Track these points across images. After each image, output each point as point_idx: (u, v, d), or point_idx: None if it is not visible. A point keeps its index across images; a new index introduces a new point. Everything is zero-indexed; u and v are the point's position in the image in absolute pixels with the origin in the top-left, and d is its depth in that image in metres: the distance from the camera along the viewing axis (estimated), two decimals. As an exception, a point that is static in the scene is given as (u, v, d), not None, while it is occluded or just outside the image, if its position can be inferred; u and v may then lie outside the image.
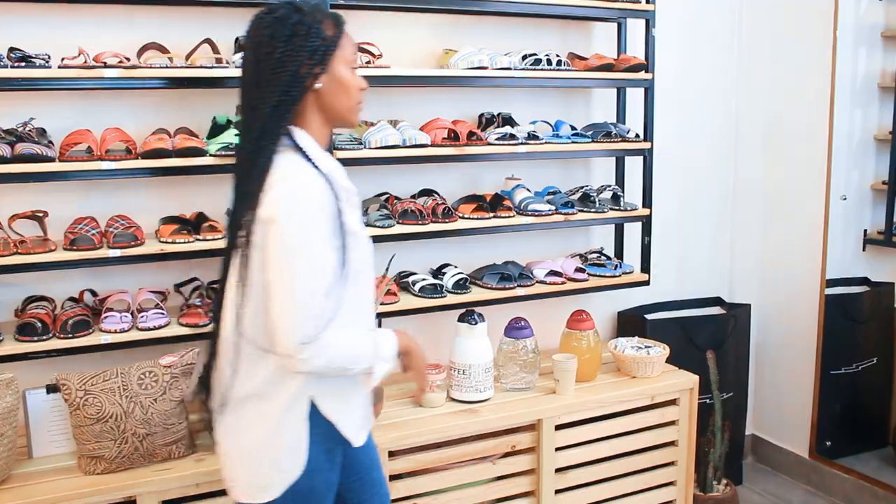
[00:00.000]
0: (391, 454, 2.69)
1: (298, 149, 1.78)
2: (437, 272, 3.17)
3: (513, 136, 3.05)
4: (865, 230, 3.96)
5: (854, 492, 3.57)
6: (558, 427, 2.93)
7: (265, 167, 1.73)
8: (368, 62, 2.85)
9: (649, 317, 3.55)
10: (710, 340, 3.53)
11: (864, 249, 3.97)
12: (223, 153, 2.59)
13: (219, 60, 2.63)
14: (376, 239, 2.86)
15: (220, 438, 1.90)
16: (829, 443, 3.72)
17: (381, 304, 2.82)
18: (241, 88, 1.82)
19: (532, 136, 3.10)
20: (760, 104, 3.81)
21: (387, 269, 2.80)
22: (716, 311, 3.81)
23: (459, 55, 3.01)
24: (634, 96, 3.42)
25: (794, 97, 3.68)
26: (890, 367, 3.93)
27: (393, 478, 2.68)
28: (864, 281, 3.90)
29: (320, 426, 1.84)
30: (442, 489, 2.78)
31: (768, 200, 3.86)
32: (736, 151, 3.88)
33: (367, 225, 2.88)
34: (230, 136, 2.66)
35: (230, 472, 1.88)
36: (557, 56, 3.12)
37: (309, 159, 1.77)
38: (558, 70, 3.10)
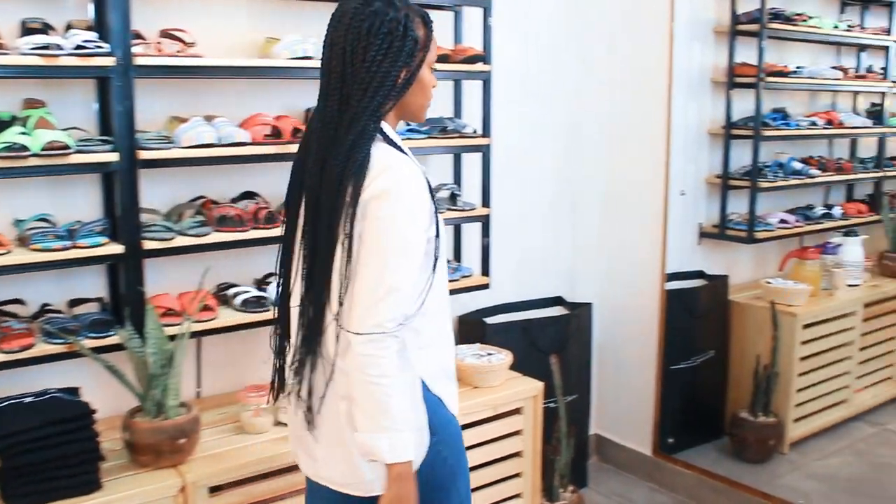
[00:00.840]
0: (213, 490, 2.40)
1: (389, 141, 1.77)
2: (261, 283, 2.88)
3: (342, 133, 2.80)
4: (700, 224, 3.98)
5: (696, 487, 3.56)
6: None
7: (364, 162, 1.69)
8: (179, 51, 2.52)
9: (489, 321, 3.40)
10: (552, 342, 3.42)
11: (699, 243, 3.98)
12: (7, 154, 2.21)
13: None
14: (189, 249, 2.57)
15: (334, 438, 1.77)
16: (671, 439, 3.70)
17: (196, 321, 2.52)
18: (326, 77, 1.76)
19: (363, 133, 2.86)
20: (600, 98, 3.72)
21: (200, 283, 2.49)
22: (557, 311, 3.71)
23: (283, 44, 2.73)
24: (472, 89, 3.24)
25: (633, 92, 3.60)
26: (725, 358, 3.96)
27: (214, 518, 2.40)
28: (699, 274, 3.91)
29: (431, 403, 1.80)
30: (271, 526, 2.52)
31: (608, 196, 3.78)
32: (576, 147, 3.78)
33: (179, 233, 2.56)
34: (14, 135, 2.27)
35: (357, 469, 1.75)
36: (388, 46, 2.88)
37: (402, 150, 1.77)
38: (390, 61, 2.87)
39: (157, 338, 2.35)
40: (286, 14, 2.90)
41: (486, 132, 3.15)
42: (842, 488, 3.52)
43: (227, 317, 2.66)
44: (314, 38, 2.76)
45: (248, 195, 2.83)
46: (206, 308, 2.59)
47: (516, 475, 3.03)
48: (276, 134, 2.70)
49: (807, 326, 3.84)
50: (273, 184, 2.93)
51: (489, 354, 3.07)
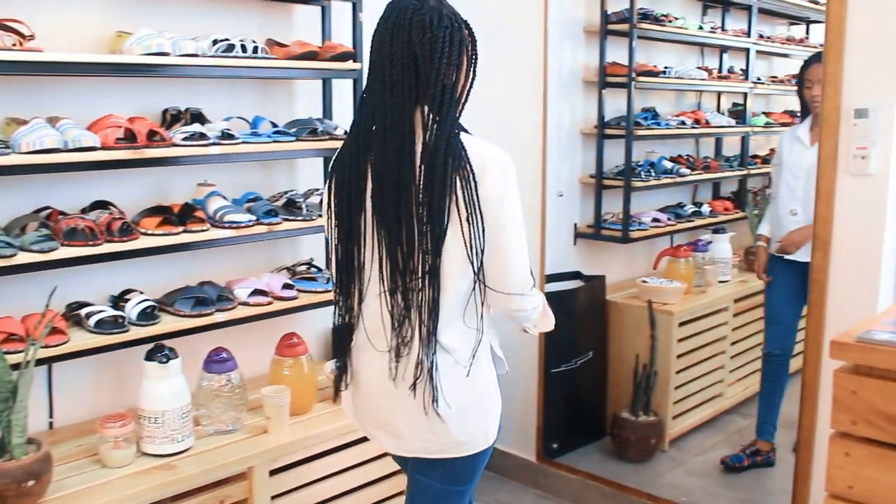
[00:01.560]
0: (68, 535, 2.16)
1: (465, 131, 1.93)
2: (119, 300, 2.64)
3: (203, 136, 2.59)
4: (576, 224, 3.95)
5: (582, 491, 3.50)
6: (273, 472, 2.54)
7: (460, 152, 1.82)
8: (14, 44, 2.26)
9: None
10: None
11: (574, 244, 3.95)
12: None
13: None
14: (34, 267, 2.31)
15: (438, 404, 1.88)
16: (555, 444, 3.64)
17: (44, 346, 2.27)
18: (389, 70, 1.81)
19: (226, 136, 2.66)
20: (474, 98, 3.59)
21: (48, 304, 2.24)
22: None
23: (135, 38, 2.51)
24: (342, 88, 3.08)
25: (508, 92, 3.52)
26: (604, 359, 3.95)
27: (69, 566, 2.16)
28: (576, 275, 3.88)
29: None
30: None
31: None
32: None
33: (22, 249, 2.30)
34: None
35: (461, 430, 1.94)
36: (254, 42, 2.70)
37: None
38: (255, 58, 2.69)
39: (-4, 368, 2.10)
40: (138, 6, 2.67)
41: (358, 134, 2.99)
42: (721, 483, 3.54)
43: (79, 340, 2.42)
44: (169, 32, 2.55)
45: (101, 205, 2.59)
46: (54, 331, 2.34)
47: (398, 494, 2.89)
48: (129, 137, 2.47)
49: (682, 324, 3.86)
50: (128, 191, 2.70)
51: (368, 367, 2.92)
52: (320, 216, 2.91)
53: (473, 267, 1.84)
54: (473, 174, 1.80)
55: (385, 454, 2.80)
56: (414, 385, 1.87)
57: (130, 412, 2.46)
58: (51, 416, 2.63)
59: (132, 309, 2.55)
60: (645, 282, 3.97)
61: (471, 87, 1.95)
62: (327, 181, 1.97)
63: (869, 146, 2.71)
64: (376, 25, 1.84)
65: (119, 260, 2.48)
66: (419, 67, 1.80)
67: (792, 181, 3.51)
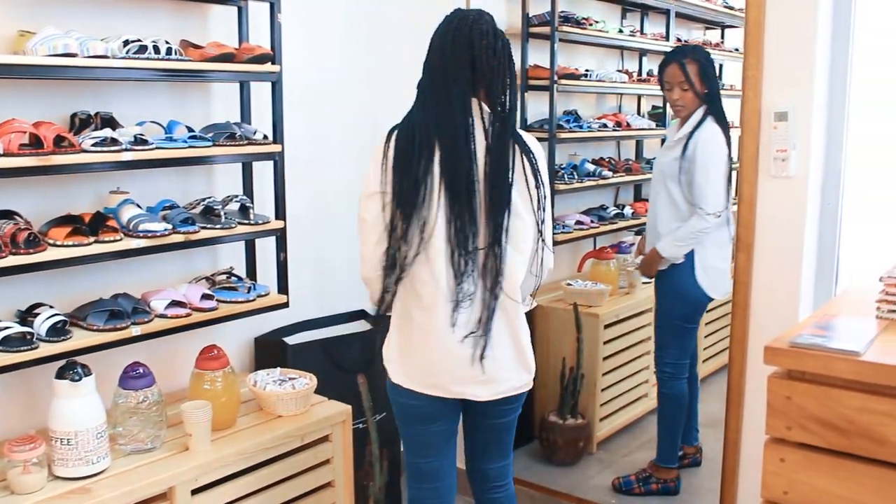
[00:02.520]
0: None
1: None
2: (26, 315, 2.49)
3: (115, 141, 2.47)
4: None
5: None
6: (195, 492, 2.43)
7: (521, 137, 2.31)
8: None
9: (290, 341, 3.15)
10: (357, 360, 3.22)
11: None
12: None
13: None
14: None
15: (498, 354, 2.28)
16: (483, 451, 3.59)
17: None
18: (453, 70, 2.20)
19: (140, 141, 2.54)
20: (397, 100, 3.53)
21: (-52, 323, 2.10)
22: (362, 325, 3.51)
23: (39, 38, 2.36)
24: (260, 92, 2.98)
25: (429, 93, 3.46)
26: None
27: None
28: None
29: None
30: None
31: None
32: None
33: (-83, 264, 2.15)
34: None
35: (519, 374, 2.35)
36: (168, 43, 2.58)
37: None
38: (169, 60, 2.57)
39: None
40: (42, 4, 2.53)
41: (277, 138, 2.90)
42: None
43: (-19, 359, 2.27)
44: (76, 31, 2.42)
45: (5, 215, 2.44)
46: (-45, 350, 2.20)
47: (330, 506, 2.82)
48: (35, 143, 2.33)
49: (608, 326, 3.87)
50: (34, 201, 2.56)
51: (291, 379, 2.84)
52: (241, 223, 2.81)
53: (540, 227, 2.29)
54: (534, 153, 2.29)
55: (321, 464, 2.73)
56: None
57: (41, 433, 2.33)
58: (-47, 442, 2.47)
59: (41, 324, 2.41)
60: (570, 285, 3.97)
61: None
62: (386, 151, 2.23)
63: (789, 149, 2.75)
64: (439, 28, 2.26)
65: (26, 273, 2.35)
66: (476, 66, 2.18)
67: (654, 184, 3.53)
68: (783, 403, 1.55)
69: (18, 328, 2.37)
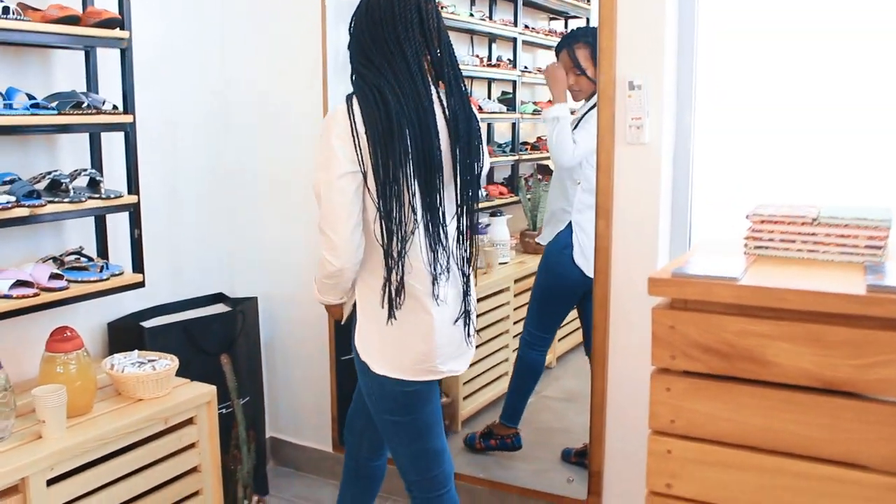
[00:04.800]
0: None
1: None
2: None
3: (-52, 106, 2.27)
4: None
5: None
6: (51, 482, 2.26)
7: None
8: None
9: (146, 324, 2.99)
10: (219, 343, 3.09)
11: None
12: None
13: None
14: None
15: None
16: (350, 433, 3.54)
17: None
18: (442, 40, 2.16)
19: (-24, 107, 2.35)
20: (250, 77, 3.45)
21: None
22: (220, 309, 3.38)
23: None
24: (107, 59, 2.82)
25: (287, 72, 3.38)
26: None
27: None
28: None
29: None
30: None
31: (268, 182, 3.50)
32: (226, 129, 3.48)
33: None
34: None
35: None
36: (3, 3, 2.40)
37: None
38: (6, 20, 2.38)
39: None
40: None
41: (127, 108, 2.75)
42: (517, 457, 3.60)
43: None
44: None
45: None
46: None
47: (196, 493, 2.69)
48: None
49: (469, 304, 3.89)
50: None
51: (151, 361, 2.69)
52: (91, 198, 2.64)
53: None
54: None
55: (186, 448, 2.61)
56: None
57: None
58: None
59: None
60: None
61: None
62: (355, 125, 2.03)
63: (643, 116, 2.85)
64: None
65: None
66: (424, 26, 2.08)
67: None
68: (667, 333, 1.59)
69: None
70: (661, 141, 2.84)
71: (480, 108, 4.43)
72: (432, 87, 2.11)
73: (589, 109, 3.38)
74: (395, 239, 2.06)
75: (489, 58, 4.67)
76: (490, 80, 4.77)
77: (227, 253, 3.53)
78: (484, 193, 4.44)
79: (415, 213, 2.08)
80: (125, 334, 2.96)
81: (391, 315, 2.11)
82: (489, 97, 4.76)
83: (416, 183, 2.06)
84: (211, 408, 2.70)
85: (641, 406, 2.92)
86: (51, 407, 2.31)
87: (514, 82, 4.68)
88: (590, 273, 3.41)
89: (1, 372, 2.31)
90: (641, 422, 2.93)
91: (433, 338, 2.14)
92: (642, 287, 2.91)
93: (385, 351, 2.15)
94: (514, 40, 4.64)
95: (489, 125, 4.74)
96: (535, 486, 3.25)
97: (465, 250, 2.24)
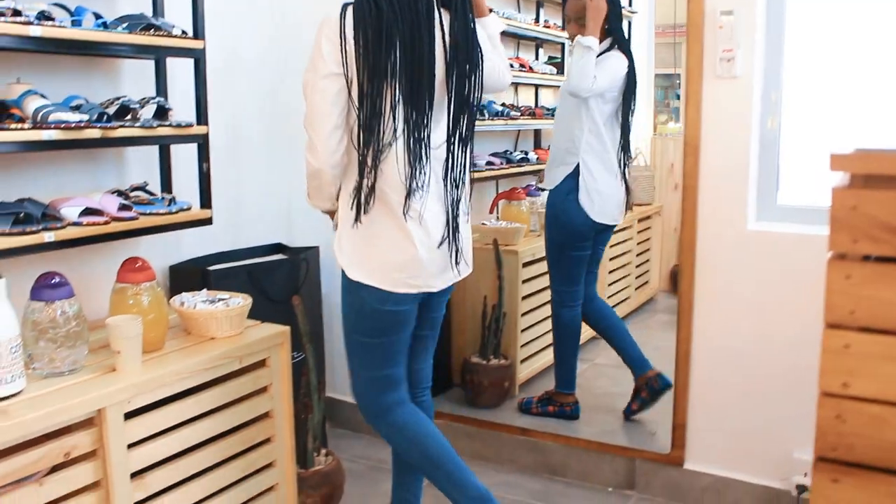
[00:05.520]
0: None
1: None
2: None
3: (17, 13, 2.12)
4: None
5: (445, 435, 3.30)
6: (129, 416, 2.10)
7: None
8: None
9: (211, 268, 2.84)
10: (283, 290, 2.94)
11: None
12: None
13: None
14: None
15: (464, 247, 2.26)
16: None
17: None
18: None
19: (45, 17, 2.20)
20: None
21: None
22: (281, 258, 3.22)
23: None
24: None
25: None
26: (447, 311, 3.74)
27: None
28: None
29: None
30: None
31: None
32: (283, 75, 3.32)
33: None
34: None
35: (469, 261, 2.31)
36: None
37: None
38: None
39: None
40: None
41: (198, 33, 2.60)
42: (580, 422, 3.44)
43: None
44: None
45: None
46: None
47: (267, 440, 2.53)
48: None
49: (526, 265, 3.76)
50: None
51: (222, 300, 2.54)
52: (161, 126, 2.49)
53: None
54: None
55: (259, 391, 2.46)
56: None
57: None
58: None
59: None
60: (484, 224, 3.83)
61: None
62: (344, 31, 2.03)
63: (735, 48, 2.72)
64: None
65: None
66: None
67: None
68: (848, 215, 1.45)
69: None
70: (753, 74, 2.71)
71: (530, 69, 4.29)
72: (437, 10, 2.09)
73: (605, 51, 3.28)
74: (370, 148, 2.08)
75: (537, 19, 4.53)
76: (538, 45, 4.63)
77: (286, 202, 3.37)
78: (534, 157, 4.31)
79: (395, 126, 2.08)
80: (188, 278, 2.81)
81: (357, 219, 2.13)
82: (536, 60, 4.63)
83: (400, 97, 2.07)
84: (284, 349, 2.55)
85: (728, 356, 2.82)
86: (127, 337, 2.15)
87: (563, 45, 4.55)
88: (595, 217, 3.30)
89: (74, 300, 2.15)
90: (728, 372, 2.83)
91: (406, 249, 2.15)
92: (731, 228, 2.80)
93: (358, 255, 2.18)
94: (563, 3, 4.50)
95: (536, 88, 4.61)
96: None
97: (456, 177, 2.19)
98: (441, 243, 2.18)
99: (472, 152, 2.24)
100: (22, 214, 2.18)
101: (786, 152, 2.82)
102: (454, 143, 2.17)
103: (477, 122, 3.59)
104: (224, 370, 2.37)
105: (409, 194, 2.10)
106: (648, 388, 3.38)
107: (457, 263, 2.23)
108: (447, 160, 2.17)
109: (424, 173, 2.12)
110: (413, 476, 2.54)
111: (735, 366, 2.81)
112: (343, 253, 2.20)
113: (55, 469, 1.97)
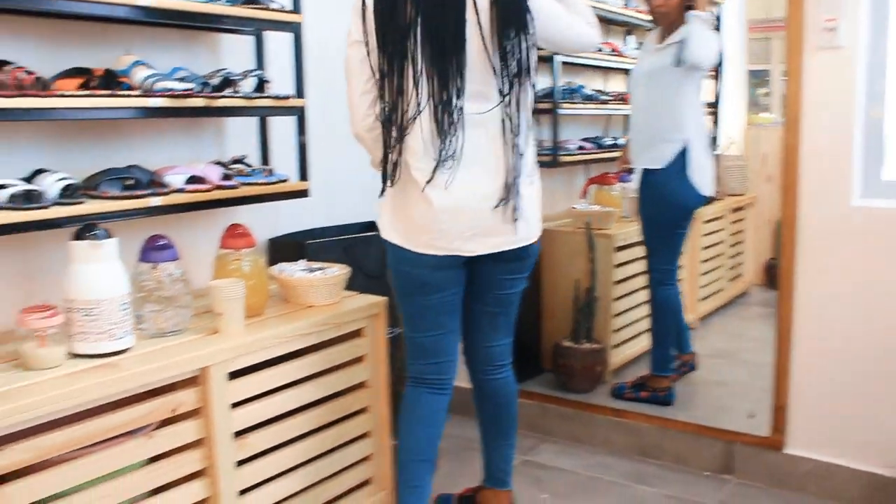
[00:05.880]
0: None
1: None
2: (31, 179, 2.17)
3: (129, -15, 2.18)
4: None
5: (540, 418, 3.30)
6: (232, 376, 2.14)
7: None
8: None
9: (308, 242, 2.87)
10: (379, 263, 2.95)
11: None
12: None
13: None
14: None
15: (521, 207, 2.18)
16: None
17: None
18: None
19: (154, -10, 2.26)
20: None
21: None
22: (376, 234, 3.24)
23: None
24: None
25: None
26: (538, 290, 3.73)
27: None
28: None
29: None
30: (75, 487, 1.83)
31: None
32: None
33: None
34: None
35: (530, 229, 2.24)
36: None
37: None
38: None
39: None
40: None
41: (296, 7, 2.64)
42: (669, 412, 3.36)
43: (-13, 216, 1.95)
44: None
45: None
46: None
47: (363, 410, 2.54)
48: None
49: (618, 249, 3.71)
50: (31, 55, 2.24)
51: (320, 269, 2.57)
52: (261, 98, 2.54)
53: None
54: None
55: (355, 361, 2.47)
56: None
57: (57, 305, 2.00)
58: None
59: (51, 185, 2.10)
60: (576, 208, 3.80)
61: None
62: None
63: (838, 17, 2.63)
64: None
65: (34, 121, 2.04)
66: None
67: (634, 91, 3.46)
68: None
69: (25, 186, 2.05)
70: (857, 44, 2.62)
71: (620, 54, 4.25)
72: None
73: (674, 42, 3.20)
74: (392, 120, 2.10)
75: (625, 3, 4.48)
76: (628, 30, 4.58)
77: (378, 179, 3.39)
78: (624, 142, 4.24)
79: (420, 99, 2.06)
80: (286, 251, 2.84)
81: (383, 190, 2.20)
82: (625, 44, 4.57)
83: (423, 66, 2.04)
84: (380, 320, 2.56)
85: (831, 334, 2.72)
86: (230, 299, 2.19)
87: (649, 30, 4.48)
88: (705, 191, 3.22)
89: (178, 263, 2.20)
90: (831, 352, 2.73)
91: (426, 212, 2.13)
92: (834, 204, 2.71)
93: (388, 217, 2.23)
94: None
95: (627, 72, 4.55)
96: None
97: (511, 141, 2.13)
98: (497, 205, 2.13)
99: (528, 116, 2.18)
100: (132, 180, 2.25)
101: (892, 125, 2.72)
102: (508, 107, 2.11)
103: (569, 106, 3.59)
104: (322, 336, 2.39)
105: (437, 165, 2.09)
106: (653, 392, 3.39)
107: (515, 220, 2.17)
108: (502, 124, 2.12)
109: (456, 141, 2.08)
110: (502, 441, 2.54)
111: (838, 346, 2.71)
112: (379, 215, 2.27)
113: (162, 425, 2.01)
